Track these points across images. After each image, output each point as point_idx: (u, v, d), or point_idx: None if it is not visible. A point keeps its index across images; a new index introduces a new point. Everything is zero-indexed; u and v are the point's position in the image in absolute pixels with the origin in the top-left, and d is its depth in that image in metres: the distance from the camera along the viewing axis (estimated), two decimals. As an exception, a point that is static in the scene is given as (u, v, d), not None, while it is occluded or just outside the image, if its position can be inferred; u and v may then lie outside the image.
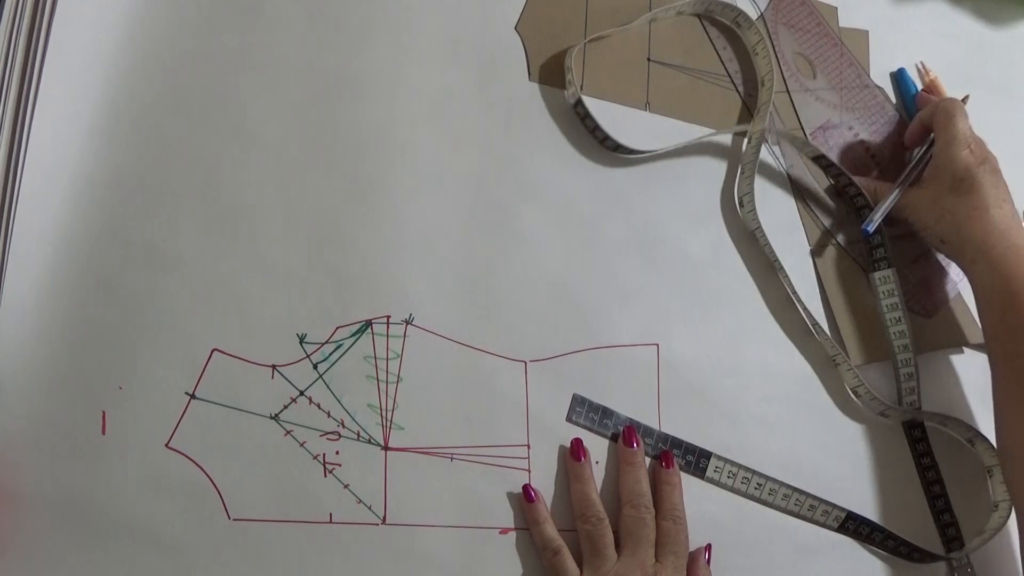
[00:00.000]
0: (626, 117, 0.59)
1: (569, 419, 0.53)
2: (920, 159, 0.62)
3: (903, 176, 0.61)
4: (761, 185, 0.62)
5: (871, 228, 0.59)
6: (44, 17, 0.47)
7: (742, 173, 0.61)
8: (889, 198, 0.60)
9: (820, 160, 0.62)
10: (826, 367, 0.60)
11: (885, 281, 0.61)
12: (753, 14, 0.65)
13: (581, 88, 0.59)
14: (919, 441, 0.60)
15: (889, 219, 0.60)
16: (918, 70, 0.71)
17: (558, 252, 0.55)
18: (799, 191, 0.63)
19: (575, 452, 0.51)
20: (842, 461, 0.58)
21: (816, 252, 0.62)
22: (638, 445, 0.52)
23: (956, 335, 0.63)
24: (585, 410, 0.53)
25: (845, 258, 0.62)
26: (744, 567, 0.54)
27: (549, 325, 0.54)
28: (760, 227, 0.59)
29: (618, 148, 0.58)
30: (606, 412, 0.53)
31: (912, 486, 0.60)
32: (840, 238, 0.63)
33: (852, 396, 0.60)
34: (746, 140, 0.62)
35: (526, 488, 0.50)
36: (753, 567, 0.54)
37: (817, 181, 0.64)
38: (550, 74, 0.59)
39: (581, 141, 0.58)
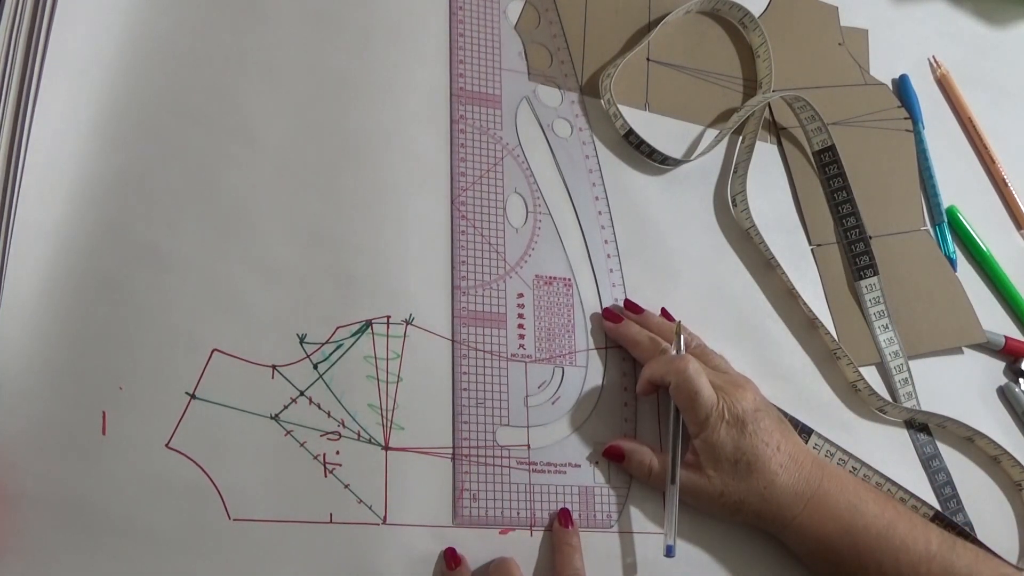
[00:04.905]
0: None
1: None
2: (675, 435, 0.51)
3: (670, 464, 0.51)
4: (762, 184, 0.62)
5: (673, 551, 0.50)
6: (44, 17, 0.47)
7: (735, 172, 0.61)
8: (672, 511, 0.50)
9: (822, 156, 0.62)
10: (827, 361, 0.60)
11: (871, 289, 0.61)
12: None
13: (582, 89, 0.59)
14: (926, 444, 0.60)
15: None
16: (930, 64, 0.71)
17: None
18: (799, 189, 0.63)
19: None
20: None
21: (817, 250, 0.62)
22: (573, 526, 0.50)
23: (955, 337, 0.63)
24: None
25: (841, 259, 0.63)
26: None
27: (546, 325, 0.54)
28: (754, 226, 0.59)
29: (666, 161, 0.59)
30: None
31: (920, 483, 0.59)
32: (836, 237, 0.63)
33: (853, 391, 0.60)
34: (740, 140, 0.62)
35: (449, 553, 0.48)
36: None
37: (816, 179, 0.64)
38: (549, 74, 0.59)
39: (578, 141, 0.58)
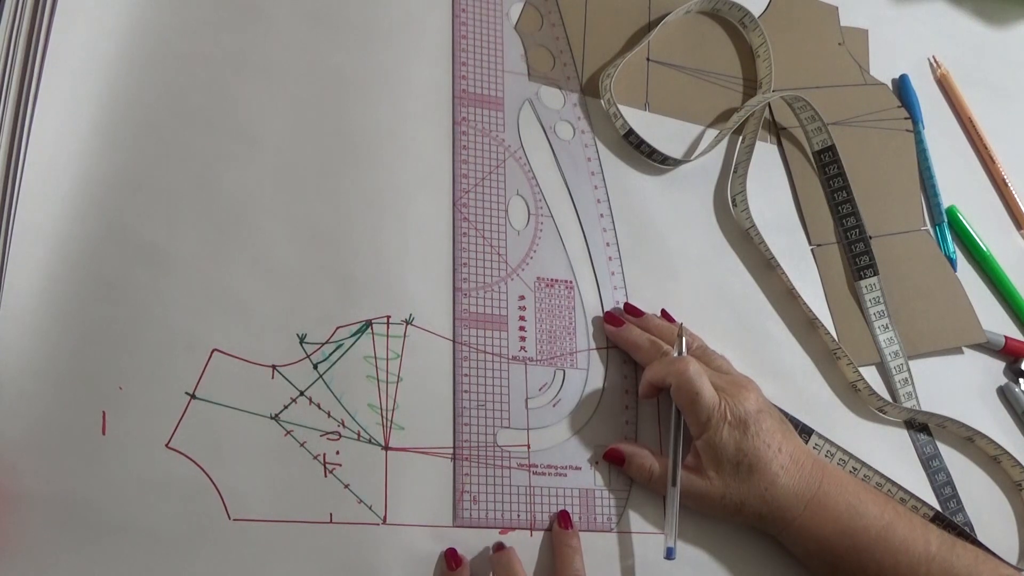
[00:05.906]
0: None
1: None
2: (676, 436, 0.51)
3: (671, 466, 0.51)
4: (762, 184, 0.62)
5: (674, 553, 0.50)
6: (44, 17, 0.47)
7: (735, 172, 0.61)
8: (673, 513, 0.50)
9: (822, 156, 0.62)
10: (827, 361, 0.60)
11: (871, 289, 0.61)
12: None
13: (581, 89, 0.59)
14: (926, 444, 0.60)
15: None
16: (930, 64, 0.71)
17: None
18: (799, 189, 0.63)
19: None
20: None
21: (817, 250, 0.62)
22: (573, 528, 0.50)
23: (955, 337, 0.63)
24: None
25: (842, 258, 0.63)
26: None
27: (547, 327, 0.54)
28: (754, 226, 0.59)
29: (666, 161, 0.59)
30: None
31: (920, 483, 0.59)
32: (836, 237, 0.63)
33: (853, 391, 0.60)
34: (740, 140, 0.62)
35: (450, 553, 0.48)
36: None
37: (816, 179, 0.64)
38: (551, 76, 0.59)
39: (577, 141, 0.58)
